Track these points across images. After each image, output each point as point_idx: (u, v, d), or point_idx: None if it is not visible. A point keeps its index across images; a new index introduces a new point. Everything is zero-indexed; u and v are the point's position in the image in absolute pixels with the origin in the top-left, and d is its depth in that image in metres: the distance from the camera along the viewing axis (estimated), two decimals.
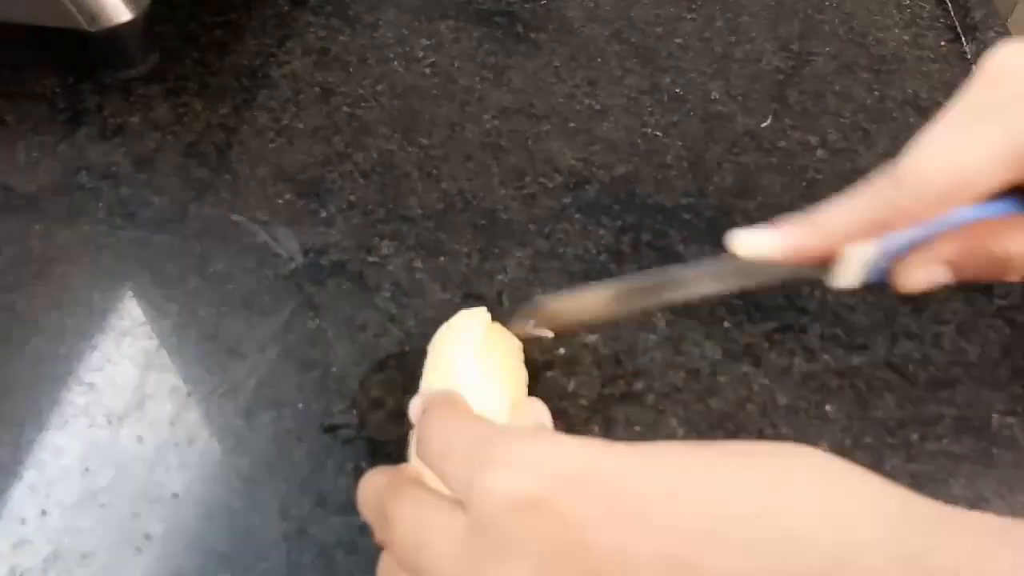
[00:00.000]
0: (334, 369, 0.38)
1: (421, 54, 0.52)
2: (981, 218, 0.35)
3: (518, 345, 0.39)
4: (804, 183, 0.47)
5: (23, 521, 0.34)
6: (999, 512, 0.36)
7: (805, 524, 0.22)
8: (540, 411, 0.36)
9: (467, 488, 0.24)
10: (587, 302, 0.36)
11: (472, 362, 0.36)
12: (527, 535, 0.23)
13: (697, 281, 0.35)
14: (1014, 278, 0.34)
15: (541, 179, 0.47)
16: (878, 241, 0.34)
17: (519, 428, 0.27)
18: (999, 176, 0.31)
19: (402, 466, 0.32)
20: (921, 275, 0.34)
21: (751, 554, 0.22)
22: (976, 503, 0.37)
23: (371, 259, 0.43)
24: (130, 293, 0.41)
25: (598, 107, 0.50)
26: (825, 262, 0.34)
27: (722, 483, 0.23)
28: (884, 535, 0.23)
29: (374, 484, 0.28)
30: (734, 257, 0.33)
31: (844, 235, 0.33)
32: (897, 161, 0.32)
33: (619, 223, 0.45)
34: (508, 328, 0.37)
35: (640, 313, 0.37)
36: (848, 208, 0.33)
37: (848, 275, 0.34)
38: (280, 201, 0.45)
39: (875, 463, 0.37)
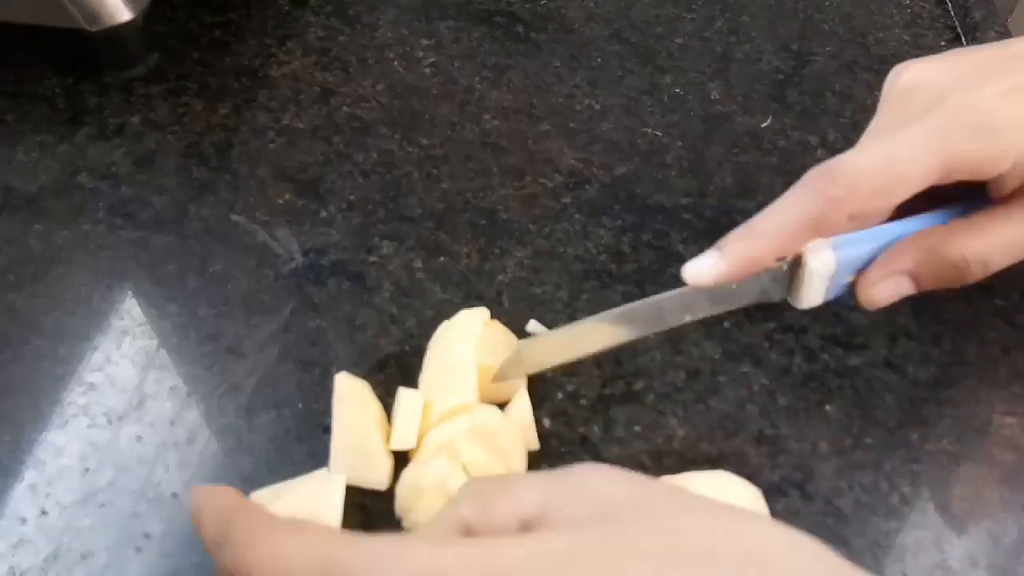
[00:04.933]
0: (334, 369, 0.38)
1: (421, 54, 0.52)
2: (932, 226, 0.35)
3: (517, 343, 0.39)
4: None
5: (23, 521, 0.34)
6: (999, 512, 0.36)
7: None
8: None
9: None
10: (566, 341, 0.35)
11: (471, 360, 0.36)
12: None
13: (671, 313, 0.34)
14: (972, 280, 0.35)
15: (541, 179, 0.47)
16: (831, 252, 0.33)
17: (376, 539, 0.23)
18: (930, 169, 0.32)
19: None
20: (883, 288, 0.35)
21: None
22: (976, 503, 0.37)
23: (371, 259, 0.43)
24: (130, 293, 0.41)
25: (598, 107, 0.50)
26: (792, 261, 0.34)
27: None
28: None
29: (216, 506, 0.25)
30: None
31: (783, 235, 0.32)
32: (827, 161, 0.32)
33: (619, 223, 0.45)
34: (494, 379, 0.36)
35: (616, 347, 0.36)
36: (784, 207, 0.33)
37: (811, 292, 0.34)
38: (280, 201, 0.45)
39: (875, 463, 0.37)
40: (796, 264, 0.34)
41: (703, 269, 0.32)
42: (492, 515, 0.24)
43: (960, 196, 0.35)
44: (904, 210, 0.35)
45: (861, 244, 0.34)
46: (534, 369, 0.36)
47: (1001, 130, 0.32)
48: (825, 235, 0.33)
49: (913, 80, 0.35)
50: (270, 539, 0.23)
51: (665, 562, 0.21)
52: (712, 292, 0.33)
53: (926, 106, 0.33)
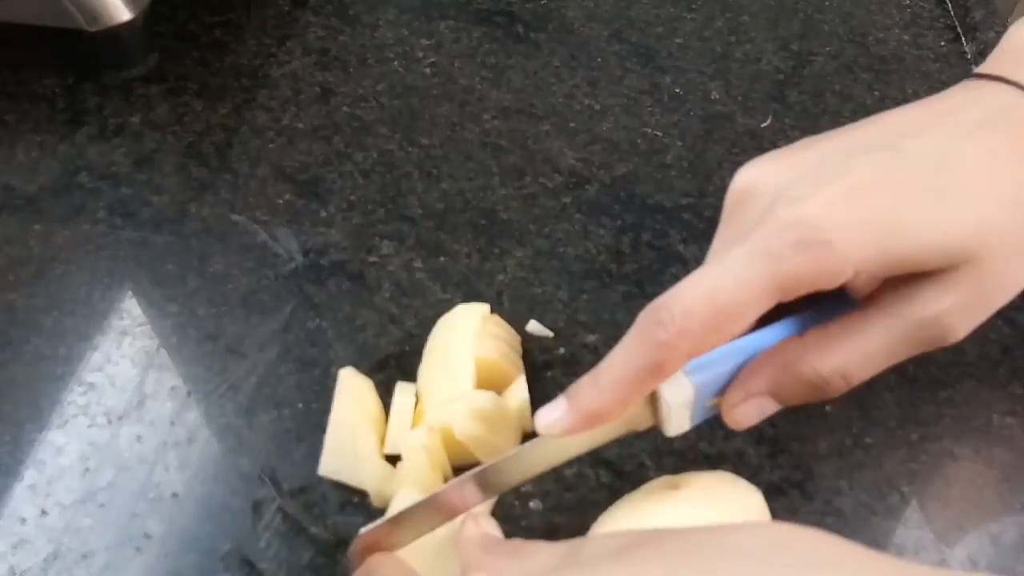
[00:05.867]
0: (334, 369, 0.38)
1: (421, 54, 0.52)
2: (784, 338, 0.33)
3: (517, 338, 0.39)
4: None
5: (23, 521, 0.34)
6: (999, 512, 0.36)
7: None
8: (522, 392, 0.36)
9: None
10: (414, 520, 0.31)
11: (470, 354, 0.36)
12: None
13: (530, 465, 0.32)
14: (835, 395, 0.32)
15: (541, 179, 0.47)
16: (686, 379, 0.31)
17: None
18: (760, 296, 0.29)
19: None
20: (745, 410, 0.32)
21: None
22: (976, 503, 0.37)
23: (371, 259, 0.43)
24: (130, 293, 0.41)
25: (598, 107, 0.50)
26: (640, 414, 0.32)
27: None
28: None
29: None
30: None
31: (624, 387, 0.30)
32: (657, 298, 0.30)
33: (619, 223, 0.45)
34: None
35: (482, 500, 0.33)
36: (620, 359, 0.30)
37: (675, 422, 0.32)
38: (280, 201, 0.45)
39: (875, 463, 0.37)
40: (654, 396, 0.32)
41: (551, 421, 0.30)
42: None
43: (823, 296, 0.32)
44: (765, 318, 0.32)
45: (718, 365, 0.32)
46: (410, 540, 0.32)
47: (834, 241, 0.29)
48: (667, 376, 0.31)
49: (747, 185, 0.33)
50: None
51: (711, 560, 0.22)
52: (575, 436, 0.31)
53: (755, 220, 0.31)
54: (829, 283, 0.30)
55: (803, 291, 0.30)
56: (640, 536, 0.26)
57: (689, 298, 0.29)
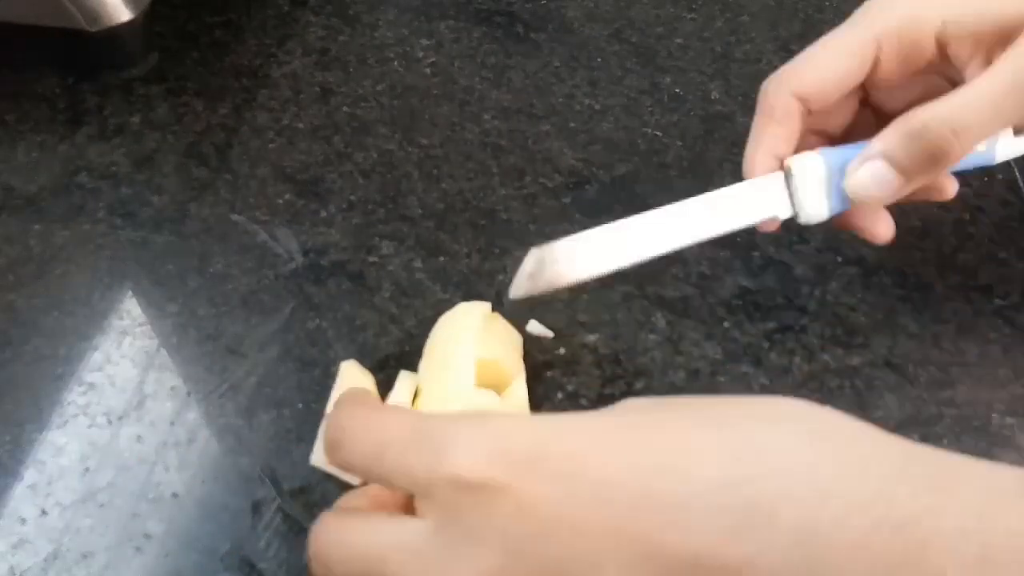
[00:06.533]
0: (334, 369, 0.38)
1: (421, 54, 0.52)
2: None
3: (518, 338, 0.39)
4: None
5: (23, 521, 0.34)
6: None
7: (777, 491, 0.21)
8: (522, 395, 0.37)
9: (426, 479, 0.23)
10: (588, 250, 0.33)
11: (471, 353, 0.36)
12: (492, 525, 0.22)
13: (693, 225, 0.34)
14: (955, 160, 0.33)
15: (541, 179, 0.47)
16: (818, 155, 0.34)
17: (460, 413, 0.25)
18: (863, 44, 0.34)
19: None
20: (862, 176, 0.34)
21: (714, 526, 0.21)
22: None
23: (371, 259, 0.43)
24: (130, 293, 0.41)
25: (598, 107, 0.50)
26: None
27: (689, 452, 0.23)
28: (871, 498, 0.21)
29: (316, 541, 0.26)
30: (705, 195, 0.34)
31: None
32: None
33: None
34: (511, 294, 0.33)
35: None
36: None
37: (810, 200, 0.35)
38: (280, 201, 0.45)
39: None
40: (788, 175, 0.35)
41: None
42: None
43: None
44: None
45: (848, 151, 0.35)
46: (549, 286, 0.32)
47: None
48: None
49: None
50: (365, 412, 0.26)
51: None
52: (716, 207, 0.34)
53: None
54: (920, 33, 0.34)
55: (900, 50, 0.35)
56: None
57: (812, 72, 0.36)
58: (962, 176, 0.38)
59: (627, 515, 0.22)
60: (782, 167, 0.35)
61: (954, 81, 0.36)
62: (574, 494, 0.22)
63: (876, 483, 0.22)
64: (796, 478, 0.22)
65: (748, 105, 0.51)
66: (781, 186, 0.35)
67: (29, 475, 0.35)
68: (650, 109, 0.50)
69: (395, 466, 0.24)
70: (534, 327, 0.40)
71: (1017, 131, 0.37)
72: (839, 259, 0.44)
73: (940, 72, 0.36)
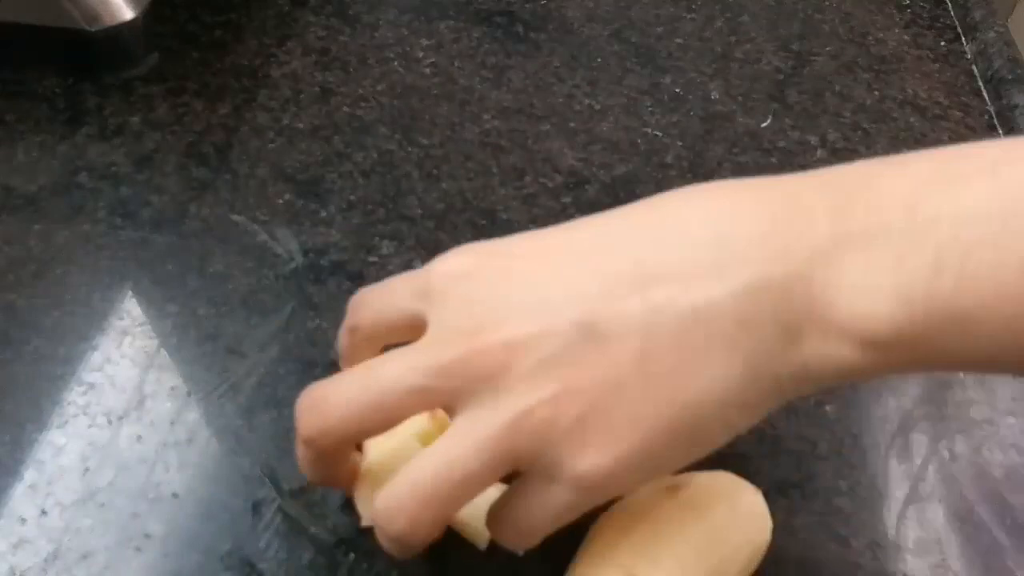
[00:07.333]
0: (334, 369, 0.38)
1: (421, 54, 0.52)
2: None
3: None
4: None
5: (23, 521, 0.34)
6: (999, 512, 0.36)
7: (655, 245, 0.28)
8: None
9: (424, 284, 0.29)
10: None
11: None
12: (456, 292, 0.28)
13: None
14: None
15: (541, 179, 0.47)
16: None
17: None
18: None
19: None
20: None
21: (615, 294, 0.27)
22: (976, 503, 0.37)
23: (371, 259, 0.43)
24: (130, 293, 0.41)
25: (598, 107, 0.50)
26: None
27: (597, 233, 0.29)
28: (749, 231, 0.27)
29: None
30: None
31: None
32: None
33: None
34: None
35: None
36: None
37: None
38: (280, 201, 0.45)
39: (875, 463, 0.37)
40: None
41: None
42: None
43: None
44: None
45: None
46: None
47: None
48: None
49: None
50: None
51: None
52: None
53: None
54: None
55: None
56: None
57: None
58: None
59: (527, 289, 0.28)
60: None
61: None
62: (501, 275, 0.28)
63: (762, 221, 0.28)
64: (679, 231, 0.30)
65: (748, 105, 0.51)
66: None
67: (29, 475, 0.35)
68: (650, 109, 0.50)
69: (403, 296, 0.30)
70: None
71: None
72: None
73: None
